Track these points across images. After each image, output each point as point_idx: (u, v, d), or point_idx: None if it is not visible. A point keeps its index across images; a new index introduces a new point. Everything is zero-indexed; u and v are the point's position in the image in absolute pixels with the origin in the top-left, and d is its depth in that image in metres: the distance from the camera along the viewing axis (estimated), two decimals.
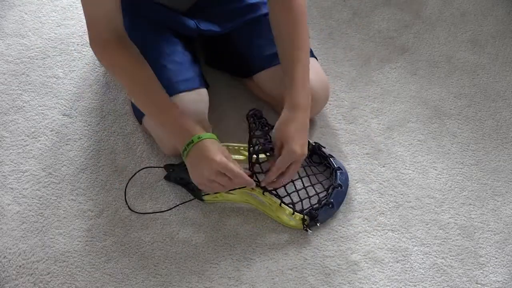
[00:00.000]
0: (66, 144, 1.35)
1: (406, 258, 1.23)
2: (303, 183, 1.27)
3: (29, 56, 1.50)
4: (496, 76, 1.54)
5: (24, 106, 1.40)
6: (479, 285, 1.20)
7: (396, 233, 1.26)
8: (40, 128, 1.37)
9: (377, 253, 1.23)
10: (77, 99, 1.41)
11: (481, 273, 1.22)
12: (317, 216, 1.22)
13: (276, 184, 1.18)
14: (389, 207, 1.30)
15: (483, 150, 1.40)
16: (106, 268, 1.18)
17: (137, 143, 1.35)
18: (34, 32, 1.55)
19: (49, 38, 1.54)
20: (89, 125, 1.37)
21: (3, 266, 1.18)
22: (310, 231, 1.23)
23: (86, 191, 1.28)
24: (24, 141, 1.35)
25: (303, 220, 1.22)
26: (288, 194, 1.24)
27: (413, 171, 1.36)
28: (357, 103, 1.46)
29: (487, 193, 1.33)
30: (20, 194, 1.27)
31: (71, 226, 1.23)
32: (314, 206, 1.24)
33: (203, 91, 1.28)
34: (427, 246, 1.25)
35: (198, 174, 1.12)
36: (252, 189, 1.20)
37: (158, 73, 1.19)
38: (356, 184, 1.33)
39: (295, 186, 1.27)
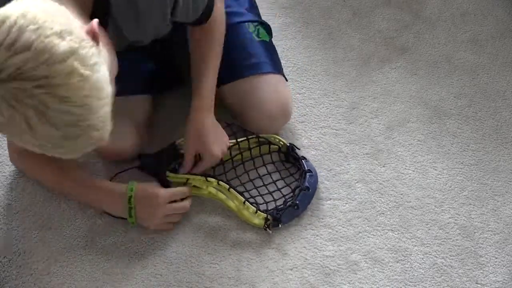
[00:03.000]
0: None
1: (406, 258, 1.23)
2: (266, 187, 1.29)
3: None
4: (496, 76, 1.54)
5: None
6: (479, 285, 1.20)
7: (396, 233, 1.26)
8: None
9: (377, 253, 1.23)
10: None
11: (481, 273, 1.22)
12: (280, 216, 1.22)
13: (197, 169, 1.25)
14: (389, 207, 1.30)
15: (483, 150, 1.40)
16: (106, 268, 1.18)
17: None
18: None
19: None
20: None
21: (3, 266, 1.18)
22: (270, 232, 1.22)
23: None
24: None
25: (266, 219, 1.21)
26: (253, 197, 1.26)
27: (413, 171, 1.36)
28: (357, 103, 1.46)
29: (487, 193, 1.33)
30: (20, 194, 1.27)
31: (71, 226, 1.23)
32: (279, 207, 1.24)
33: (142, 98, 1.30)
34: (427, 246, 1.25)
35: (154, 219, 1.21)
36: (218, 184, 1.23)
37: None
38: (356, 184, 1.33)
39: (265, 186, 1.29)
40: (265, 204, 1.26)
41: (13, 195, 1.27)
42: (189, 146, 1.24)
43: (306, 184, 1.26)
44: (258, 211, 1.22)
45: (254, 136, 1.30)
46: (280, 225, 1.22)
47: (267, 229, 1.22)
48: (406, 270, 1.21)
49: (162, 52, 1.35)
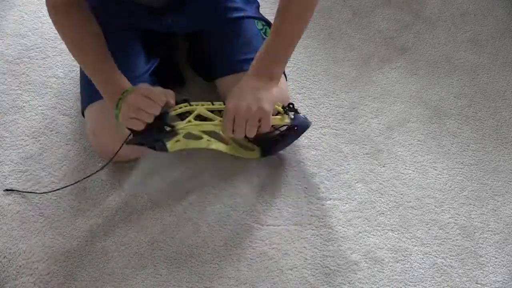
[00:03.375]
0: (66, 144, 1.34)
1: (406, 258, 1.23)
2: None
3: (29, 56, 1.50)
4: (496, 76, 1.54)
5: (24, 106, 1.40)
6: (479, 285, 1.20)
7: (396, 233, 1.26)
8: (40, 128, 1.37)
9: (377, 253, 1.23)
10: (77, 99, 1.41)
11: (481, 273, 1.22)
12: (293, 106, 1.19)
13: (236, 134, 1.16)
14: (389, 207, 1.30)
15: (483, 150, 1.40)
16: (106, 268, 1.18)
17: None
18: (34, 32, 1.55)
19: (49, 38, 1.54)
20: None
21: (3, 266, 1.18)
22: (291, 116, 1.18)
23: (86, 191, 1.28)
24: (24, 141, 1.35)
25: (285, 109, 1.19)
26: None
27: (413, 171, 1.36)
28: (357, 103, 1.46)
29: (487, 193, 1.33)
30: (20, 194, 1.27)
31: (71, 226, 1.23)
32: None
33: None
34: (427, 246, 1.25)
35: (125, 112, 1.12)
36: (202, 105, 1.15)
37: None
38: (356, 184, 1.33)
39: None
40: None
41: (13, 195, 1.27)
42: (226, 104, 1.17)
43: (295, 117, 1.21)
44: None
45: None
46: (303, 116, 1.20)
47: (288, 113, 1.19)
48: (406, 270, 1.21)
49: (163, 48, 1.35)
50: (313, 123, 1.42)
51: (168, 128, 1.14)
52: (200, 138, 1.24)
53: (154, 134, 1.15)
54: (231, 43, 1.29)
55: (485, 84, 1.53)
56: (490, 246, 1.26)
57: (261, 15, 1.38)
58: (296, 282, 1.18)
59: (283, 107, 1.23)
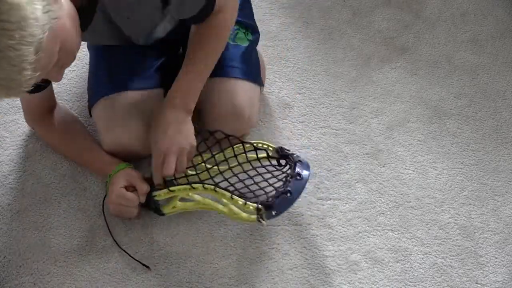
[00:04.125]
0: None
1: (406, 258, 1.23)
2: (255, 181, 1.20)
3: None
4: (496, 76, 1.54)
5: None
6: (479, 285, 1.20)
7: (396, 233, 1.26)
8: None
9: (377, 253, 1.23)
10: (77, 99, 1.41)
11: (481, 273, 1.22)
12: (272, 203, 1.12)
13: (165, 171, 1.16)
14: (389, 207, 1.30)
15: (483, 150, 1.40)
16: (106, 268, 1.18)
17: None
18: None
19: None
20: (89, 125, 1.36)
21: (3, 266, 1.18)
22: (265, 223, 1.12)
23: (86, 191, 1.28)
24: (24, 141, 1.35)
25: (258, 210, 1.12)
26: (242, 193, 1.17)
27: (413, 171, 1.36)
28: (357, 103, 1.46)
29: (487, 193, 1.33)
30: (20, 194, 1.27)
31: (71, 226, 1.23)
32: (270, 195, 1.15)
33: (156, 91, 1.28)
34: (427, 246, 1.25)
35: (111, 208, 1.22)
36: (204, 187, 1.15)
37: (109, 67, 1.27)
38: (356, 184, 1.33)
39: (253, 182, 1.20)
40: (255, 198, 1.16)
41: (13, 195, 1.27)
42: (152, 146, 1.19)
43: (297, 170, 1.18)
44: (247, 202, 1.13)
45: (239, 143, 1.24)
46: (274, 213, 1.12)
47: (261, 220, 1.11)
48: (406, 270, 1.21)
49: (169, 45, 1.35)
50: (313, 124, 1.42)
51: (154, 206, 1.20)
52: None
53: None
54: None
55: (485, 84, 1.53)
56: (490, 246, 1.26)
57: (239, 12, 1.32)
58: (296, 282, 1.18)
59: (277, 151, 1.25)
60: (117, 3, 1.06)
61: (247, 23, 1.35)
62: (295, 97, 1.45)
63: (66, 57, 0.93)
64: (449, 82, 1.52)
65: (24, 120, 1.32)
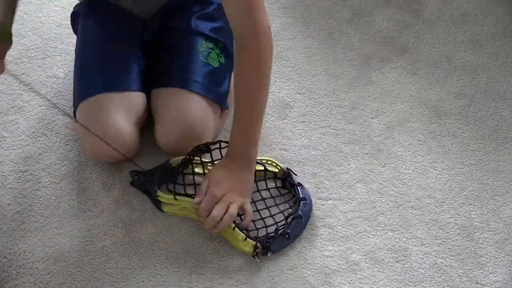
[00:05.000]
0: (66, 144, 1.34)
1: (406, 258, 1.23)
2: (259, 213, 1.24)
3: (29, 56, 1.50)
4: (496, 76, 1.54)
5: (24, 106, 1.40)
6: (479, 285, 1.20)
7: (396, 233, 1.26)
8: (40, 128, 1.37)
9: (377, 253, 1.23)
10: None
11: (481, 273, 1.22)
12: (270, 245, 1.17)
13: (206, 224, 1.16)
14: (389, 207, 1.30)
15: (483, 150, 1.41)
16: (106, 268, 1.18)
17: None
18: (34, 32, 1.55)
19: (49, 38, 1.54)
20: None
21: (3, 266, 1.18)
22: (259, 260, 1.18)
23: (86, 191, 1.28)
24: (24, 141, 1.35)
25: (255, 247, 1.16)
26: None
27: (413, 171, 1.36)
28: (357, 103, 1.46)
29: (487, 193, 1.33)
30: (20, 194, 1.27)
31: (71, 226, 1.23)
32: (270, 235, 1.18)
33: (138, 94, 1.27)
34: (427, 246, 1.25)
35: None
36: None
37: (92, 70, 1.26)
38: (356, 184, 1.33)
39: (258, 212, 1.24)
40: (256, 231, 1.20)
41: (13, 195, 1.27)
42: (208, 185, 1.17)
43: (299, 212, 1.21)
44: (247, 238, 1.17)
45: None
46: (269, 254, 1.17)
47: (256, 257, 1.17)
48: (406, 270, 1.21)
49: (150, 52, 1.34)
50: (313, 124, 1.42)
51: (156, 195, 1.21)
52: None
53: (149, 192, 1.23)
54: (171, 55, 1.28)
55: (485, 84, 1.53)
56: (490, 246, 1.26)
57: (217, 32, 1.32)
58: (296, 282, 1.18)
59: (283, 173, 1.27)
60: None
61: (225, 46, 1.32)
62: (295, 97, 1.45)
63: None
64: (449, 82, 1.52)
65: (24, 119, 1.32)
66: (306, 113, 1.43)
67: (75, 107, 1.27)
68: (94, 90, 1.24)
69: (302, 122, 1.41)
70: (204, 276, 1.18)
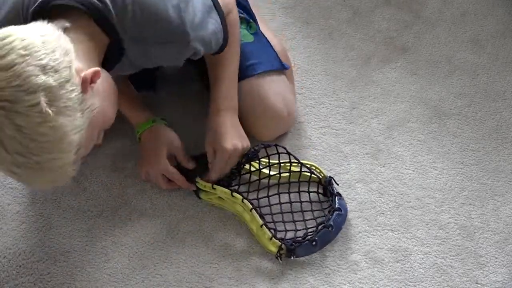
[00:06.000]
0: None
1: (406, 258, 1.23)
2: (292, 214, 1.25)
3: None
4: (496, 76, 1.54)
5: None
6: (479, 285, 1.20)
7: (396, 233, 1.26)
8: None
9: (377, 253, 1.23)
10: None
11: (481, 273, 1.22)
12: (294, 249, 1.16)
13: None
14: (389, 207, 1.30)
15: (483, 150, 1.40)
16: (106, 268, 1.18)
17: (137, 142, 1.35)
18: None
19: None
20: None
21: (3, 266, 1.18)
22: (281, 262, 1.18)
23: (86, 191, 1.28)
24: None
25: (280, 248, 1.17)
26: (275, 222, 1.23)
27: (413, 171, 1.36)
28: (357, 103, 1.46)
29: (487, 193, 1.33)
30: (20, 194, 1.27)
31: (71, 226, 1.23)
32: (297, 239, 1.18)
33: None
34: (427, 246, 1.25)
35: (144, 171, 1.25)
36: (242, 201, 1.20)
37: None
38: (356, 184, 1.33)
39: (291, 213, 1.25)
40: (284, 232, 1.21)
41: (13, 195, 1.27)
42: (206, 145, 1.23)
43: (331, 222, 1.20)
44: (273, 237, 1.17)
45: (296, 162, 1.26)
46: (292, 257, 1.17)
47: (279, 258, 1.17)
48: (406, 270, 1.21)
49: None
50: (313, 124, 1.42)
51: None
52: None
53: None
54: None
55: (485, 84, 1.53)
56: (490, 246, 1.25)
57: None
58: (296, 282, 1.18)
59: (326, 180, 1.28)
60: (143, 55, 1.06)
61: (246, 19, 1.35)
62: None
63: (105, 126, 0.97)
64: (449, 82, 1.52)
65: None
66: (306, 113, 1.43)
67: None
68: None
69: (302, 122, 1.41)
70: (204, 276, 1.18)
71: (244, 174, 1.26)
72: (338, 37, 1.60)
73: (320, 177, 1.28)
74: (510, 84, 1.53)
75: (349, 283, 1.19)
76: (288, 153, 1.26)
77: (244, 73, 1.28)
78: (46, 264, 1.18)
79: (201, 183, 1.23)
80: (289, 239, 1.19)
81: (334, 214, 1.22)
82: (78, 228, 1.23)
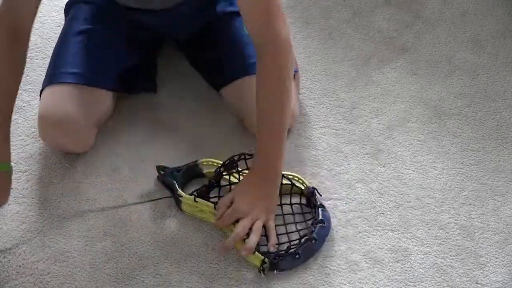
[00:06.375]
0: None
1: (406, 258, 1.23)
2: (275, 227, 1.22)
3: (29, 56, 1.48)
4: (496, 76, 1.54)
5: (24, 106, 1.40)
6: (479, 285, 1.20)
7: (396, 233, 1.26)
8: None
9: (377, 253, 1.23)
10: None
11: (481, 273, 1.22)
12: (277, 262, 1.15)
13: (227, 244, 1.16)
14: (389, 207, 1.30)
15: (483, 150, 1.41)
16: (106, 268, 1.18)
17: (137, 142, 1.35)
18: (34, 32, 1.54)
19: (49, 38, 1.54)
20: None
21: (3, 266, 1.18)
22: (264, 276, 1.16)
23: (86, 191, 1.28)
24: (24, 141, 1.35)
25: (262, 262, 1.14)
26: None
27: (413, 171, 1.36)
28: (357, 103, 1.46)
29: (487, 193, 1.33)
30: (20, 194, 1.27)
31: (71, 226, 1.23)
32: (280, 253, 1.16)
33: (110, 94, 1.29)
34: (427, 246, 1.25)
35: None
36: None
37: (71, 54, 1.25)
38: (356, 184, 1.33)
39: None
40: (266, 246, 1.17)
41: (13, 195, 1.27)
42: (226, 196, 1.19)
43: (314, 235, 1.18)
44: (256, 252, 1.15)
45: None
46: (276, 271, 1.15)
47: (261, 272, 1.15)
48: (406, 270, 1.21)
49: (141, 51, 1.35)
50: (313, 124, 1.42)
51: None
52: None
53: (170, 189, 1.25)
54: (222, 51, 1.28)
55: (485, 84, 1.53)
56: (490, 246, 1.25)
57: None
58: (296, 282, 1.18)
59: (308, 191, 1.26)
60: None
61: None
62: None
63: None
64: (449, 82, 1.52)
65: (24, 119, 1.32)
66: (306, 113, 1.43)
67: (42, 88, 1.27)
68: (62, 78, 1.24)
69: (302, 122, 1.41)
70: (204, 276, 1.18)
71: (224, 186, 1.26)
72: (338, 37, 1.60)
73: (303, 188, 1.27)
74: (510, 84, 1.53)
75: (349, 283, 1.19)
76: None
77: (248, 69, 1.27)
78: (46, 264, 1.18)
79: (182, 196, 1.21)
80: (272, 252, 1.16)
81: (317, 227, 1.20)
82: (78, 228, 1.23)
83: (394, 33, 1.62)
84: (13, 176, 1.29)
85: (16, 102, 1.40)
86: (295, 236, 1.21)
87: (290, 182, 1.26)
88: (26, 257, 1.19)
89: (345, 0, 1.67)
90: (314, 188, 1.26)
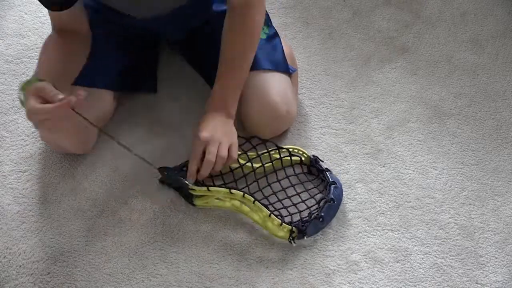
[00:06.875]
0: None
1: (406, 258, 1.23)
2: (290, 199, 1.27)
3: (29, 56, 1.50)
4: (496, 76, 1.54)
5: None
6: (479, 285, 1.20)
7: (396, 233, 1.26)
8: None
9: (377, 253, 1.23)
10: None
11: (481, 273, 1.22)
12: (305, 229, 1.19)
13: (202, 172, 1.19)
14: (389, 207, 1.30)
15: (483, 150, 1.40)
16: (106, 268, 1.18)
17: (137, 143, 1.35)
18: (34, 32, 1.55)
19: None
20: None
21: (3, 266, 1.18)
22: (294, 244, 1.20)
23: (86, 191, 1.28)
24: (24, 141, 1.35)
25: (291, 231, 1.19)
26: (278, 209, 1.24)
27: (413, 171, 1.36)
28: (357, 103, 1.46)
29: (487, 193, 1.33)
30: (20, 194, 1.27)
31: (71, 226, 1.23)
32: (304, 219, 1.22)
33: (109, 94, 1.29)
34: (427, 246, 1.25)
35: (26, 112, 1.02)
36: (243, 196, 1.19)
37: None
38: (356, 184, 1.33)
39: (288, 198, 1.26)
40: (289, 216, 1.23)
41: (13, 195, 1.27)
42: (194, 139, 1.21)
43: (331, 196, 1.23)
44: (283, 223, 1.19)
45: (275, 148, 1.29)
46: (305, 237, 1.19)
47: (292, 241, 1.19)
48: (406, 270, 1.21)
49: (141, 50, 1.35)
50: (313, 124, 1.42)
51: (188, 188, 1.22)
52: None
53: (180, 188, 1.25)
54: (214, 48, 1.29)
55: (485, 84, 1.53)
56: (490, 246, 1.25)
57: None
58: (296, 282, 1.18)
59: (310, 160, 1.30)
60: None
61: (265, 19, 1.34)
62: None
63: None
64: (449, 82, 1.52)
65: (24, 119, 1.32)
66: (306, 113, 1.43)
67: None
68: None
69: (302, 122, 1.41)
70: (204, 276, 1.18)
71: (236, 169, 1.28)
72: (338, 37, 1.60)
73: (303, 157, 1.31)
74: (510, 84, 1.53)
75: (349, 283, 1.19)
76: (263, 142, 1.29)
77: (252, 65, 1.27)
78: (46, 264, 1.18)
79: (195, 189, 1.21)
80: (297, 221, 1.22)
81: (331, 188, 1.25)
82: (78, 228, 1.23)
83: (394, 33, 1.62)
84: (13, 176, 1.30)
85: (16, 102, 1.41)
86: (311, 202, 1.26)
87: (288, 153, 1.30)
88: (26, 257, 1.19)
89: (345, 0, 1.67)
90: (315, 156, 1.31)
